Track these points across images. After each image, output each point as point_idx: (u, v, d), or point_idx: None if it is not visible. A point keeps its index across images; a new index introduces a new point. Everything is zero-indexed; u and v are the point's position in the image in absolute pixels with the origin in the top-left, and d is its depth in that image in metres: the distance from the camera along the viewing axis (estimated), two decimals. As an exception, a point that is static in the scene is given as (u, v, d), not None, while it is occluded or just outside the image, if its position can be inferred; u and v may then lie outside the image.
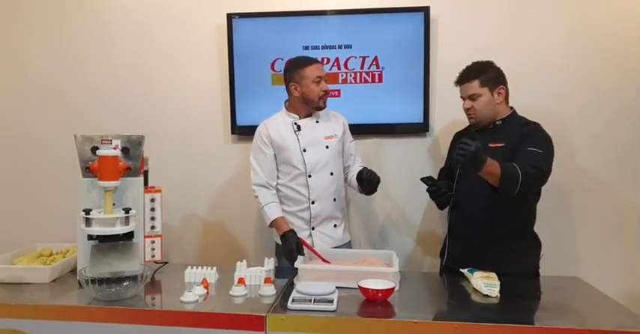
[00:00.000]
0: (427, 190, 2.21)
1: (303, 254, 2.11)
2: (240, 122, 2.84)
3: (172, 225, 2.93)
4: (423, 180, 2.18)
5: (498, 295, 1.82)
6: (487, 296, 1.82)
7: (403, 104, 2.74)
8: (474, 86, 2.16)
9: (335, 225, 2.38)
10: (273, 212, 2.28)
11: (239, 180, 2.86)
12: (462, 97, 2.24)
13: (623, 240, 2.72)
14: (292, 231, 2.22)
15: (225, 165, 2.91)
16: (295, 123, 2.33)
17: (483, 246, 2.16)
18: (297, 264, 1.97)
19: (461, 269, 2.08)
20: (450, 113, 2.67)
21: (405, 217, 2.84)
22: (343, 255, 2.19)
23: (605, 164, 2.70)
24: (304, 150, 2.31)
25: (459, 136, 2.42)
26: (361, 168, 2.27)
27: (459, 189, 2.27)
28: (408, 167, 2.77)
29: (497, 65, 2.20)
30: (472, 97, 2.17)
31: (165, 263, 2.21)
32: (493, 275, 1.95)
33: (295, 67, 2.28)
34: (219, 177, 2.93)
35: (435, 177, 2.33)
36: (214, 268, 2.03)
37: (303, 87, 2.27)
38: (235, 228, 2.95)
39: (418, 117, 2.73)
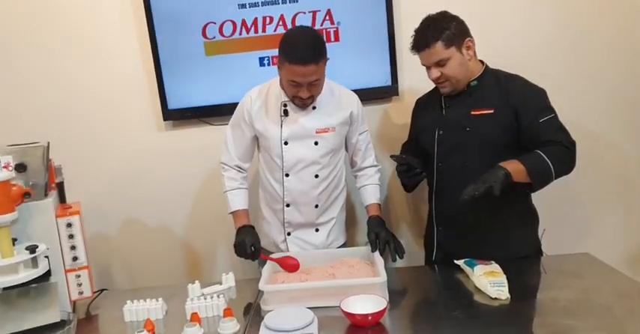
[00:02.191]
0: (397, 168, 1.91)
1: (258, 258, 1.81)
2: (172, 105, 2.37)
3: (109, 234, 2.51)
4: (394, 158, 1.88)
5: (509, 296, 1.52)
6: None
7: (366, 65, 2.33)
8: (438, 50, 1.75)
9: (317, 230, 1.99)
10: (235, 200, 1.92)
11: (179, 173, 2.45)
12: (424, 65, 1.84)
13: (624, 200, 2.47)
14: (249, 227, 1.87)
15: (160, 157, 2.45)
16: (284, 105, 1.85)
17: (481, 228, 1.88)
18: (261, 286, 1.59)
19: (456, 261, 1.78)
20: (421, 71, 2.26)
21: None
22: (316, 258, 1.86)
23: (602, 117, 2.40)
24: (285, 143, 1.86)
25: (421, 104, 2.09)
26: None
27: (442, 171, 1.93)
28: (377, 137, 2.39)
29: (454, 13, 1.80)
30: (440, 64, 1.78)
31: (101, 292, 1.82)
32: (497, 268, 1.67)
33: (281, 49, 1.75)
34: (155, 173, 2.47)
35: (397, 153, 2.07)
36: (160, 300, 1.64)
37: (280, 76, 1.82)
38: (181, 229, 2.53)
39: (385, 80, 2.34)
